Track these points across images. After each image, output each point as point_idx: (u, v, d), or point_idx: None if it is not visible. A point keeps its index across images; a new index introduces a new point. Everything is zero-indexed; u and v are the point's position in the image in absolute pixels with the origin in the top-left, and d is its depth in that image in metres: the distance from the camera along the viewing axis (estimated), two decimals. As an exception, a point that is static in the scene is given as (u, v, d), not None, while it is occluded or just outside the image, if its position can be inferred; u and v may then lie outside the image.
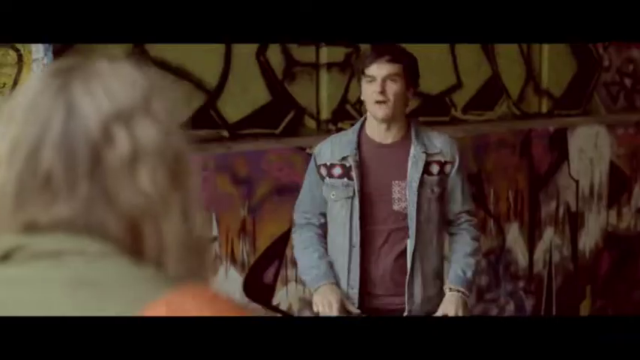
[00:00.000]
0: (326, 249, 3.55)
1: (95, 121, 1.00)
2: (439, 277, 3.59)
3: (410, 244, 3.45)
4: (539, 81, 6.15)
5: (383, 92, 3.38)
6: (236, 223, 4.41)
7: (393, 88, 3.39)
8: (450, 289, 3.46)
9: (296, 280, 4.59)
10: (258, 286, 4.48)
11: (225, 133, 4.67)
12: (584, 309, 6.21)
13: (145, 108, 1.02)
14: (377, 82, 3.39)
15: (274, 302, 4.55)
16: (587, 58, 6.30)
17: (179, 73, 4.48)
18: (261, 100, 4.78)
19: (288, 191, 4.55)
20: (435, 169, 3.48)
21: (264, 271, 4.52)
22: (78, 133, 0.99)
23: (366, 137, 3.52)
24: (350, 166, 3.45)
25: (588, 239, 6.17)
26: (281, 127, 4.85)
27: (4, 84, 3.60)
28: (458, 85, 5.68)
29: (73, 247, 0.98)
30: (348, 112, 5.12)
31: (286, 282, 4.59)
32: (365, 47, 4.74)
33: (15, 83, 3.63)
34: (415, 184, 3.42)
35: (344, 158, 3.47)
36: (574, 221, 6.06)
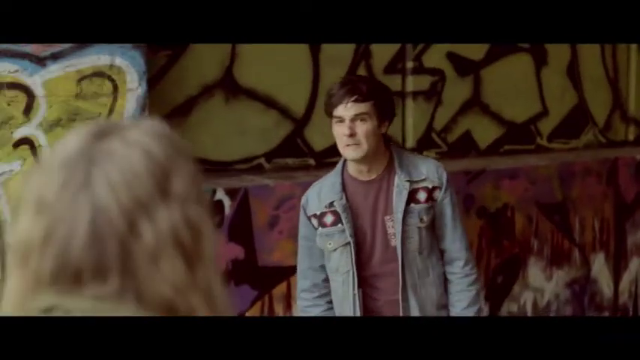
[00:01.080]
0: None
1: (119, 215, 1.01)
2: (444, 307, 3.40)
3: (400, 278, 3.27)
4: (626, 108, 6.06)
5: (352, 135, 3.17)
6: (322, 251, 4.43)
7: (363, 128, 3.18)
8: None
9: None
10: (342, 314, 4.49)
11: (312, 162, 4.71)
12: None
13: (162, 187, 1.04)
14: (345, 124, 3.19)
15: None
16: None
17: (267, 102, 4.54)
18: (347, 128, 4.80)
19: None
20: (422, 196, 3.28)
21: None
22: (105, 229, 1.01)
23: (349, 177, 3.34)
24: (339, 213, 3.29)
25: (675, 270, 6.05)
26: (366, 155, 4.86)
27: (100, 113, 3.69)
28: (544, 113, 5.64)
29: (92, 309, 1.01)
30: (434, 140, 5.13)
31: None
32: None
33: (110, 112, 3.72)
34: (400, 215, 3.23)
35: (331, 204, 3.30)
36: (661, 251, 5.94)
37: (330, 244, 3.33)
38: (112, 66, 3.68)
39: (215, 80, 4.40)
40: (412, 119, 5.02)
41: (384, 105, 3.25)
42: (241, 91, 4.47)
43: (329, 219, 3.32)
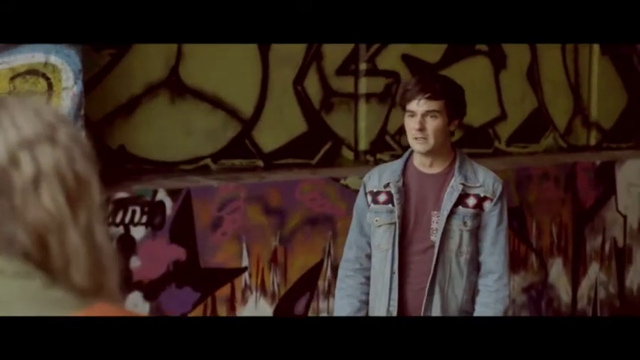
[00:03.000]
0: (366, 299, 3.53)
1: (3, 148, 1.13)
2: (467, 313, 3.47)
3: (431, 271, 3.39)
4: (588, 113, 6.03)
5: (422, 129, 3.33)
6: (267, 253, 4.39)
7: (432, 124, 3.34)
8: None
9: (327, 312, 4.55)
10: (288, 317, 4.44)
11: (260, 163, 4.67)
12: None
13: (48, 137, 1.15)
14: (416, 118, 3.34)
15: (304, 334, 4.50)
16: (638, 88, 6.16)
17: (214, 101, 4.49)
18: (298, 130, 4.77)
19: (321, 222, 4.53)
20: (471, 201, 3.41)
21: (295, 302, 4.49)
22: None
23: (412, 166, 3.49)
24: (393, 194, 3.44)
25: (637, 276, 6.01)
26: (317, 158, 4.83)
27: (37, 112, 3.64)
28: (502, 116, 5.60)
29: None
30: (387, 143, 5.08)
31: (317, 313, 4.55)
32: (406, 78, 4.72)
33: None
34: (446, 213, 3.38)
35: (388, 185, 3.46)
36: (621, 257, 5.91)
37: (377, 220, 3.47)
38: (46, 64, 3.63)
39: (160, 79, 4.35)
40: (365, 122, 4.98)
41: (455, 104, 3.41)
42: (187, 90, 4.42)
43: (382, 197, 3.47)
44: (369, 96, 4.97)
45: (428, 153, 3.39)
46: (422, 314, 3.41)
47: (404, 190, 3.45)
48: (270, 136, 4.66)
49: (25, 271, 1.12)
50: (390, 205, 3.44)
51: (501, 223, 3.46)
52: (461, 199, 3.39)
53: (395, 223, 3.42)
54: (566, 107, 5.92)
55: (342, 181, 4.59)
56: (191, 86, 4.42)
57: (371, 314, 3.49)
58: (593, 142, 6.07)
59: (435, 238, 3.40)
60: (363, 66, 4.95)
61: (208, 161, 4.52)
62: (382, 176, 3.51)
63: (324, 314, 4.55)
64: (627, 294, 5.97)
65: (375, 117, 5.01)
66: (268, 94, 4.64)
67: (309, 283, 4.52)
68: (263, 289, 4.38)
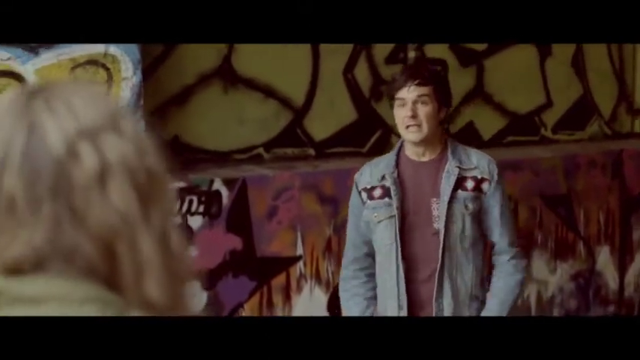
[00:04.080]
0: (372, 296, 3.50)
1: (58, 138, 0.95)
2: (477, 298, 3.46)
3: (439, 259, 3.35)
4: (632, 100, 6.00)
5: (414, 116, 3.31)
6: (321, 242, 4.39)
7: (424, 110, 3.32)
8: None
9: (381, 301, 4.55)
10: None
11: (312, 152, 4.67)
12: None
13: (113, 126, 0.98)
14: (407, 106, 3.32)
15: (358, 322, 4.51)
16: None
17: (266, 91, 4.50)
18: (348, 118, 4.77)
19: (374, 211, 4.52)
20: (470, 184, 3.38)
21: (349, 290, 4.49)
22: (40, 152, 0.94)
23: (404, 157, 3.46)
24: (389, 186, 3.40)
25: (682, 263, 5.98)
26: (368, 146, 4.83)
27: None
28: (548, 104, 5.58)
29: (57, 292, 0.92)
30: (435, 131, 5.07)
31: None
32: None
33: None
34: (446, 198, 3.35)
35: (383, 178, 3.42)
36: (667, 245, 5.88)
37: (376, 215, 3.42)
38: (106, 54, 3.65)
39: (213, 69, 4.35)
40: (414, 110, 4.97)
41: (442, 90, 3.42)
42: (240, 80, 4.42)
43: (378, 192, 3.43)
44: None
45: (421, 142, 3.36)
46: (434, 304, 3.37)
47: (399, 182, 3.41)
48: (321, 125, 4.66)
49: (96, 296, 0.93)
50: (387, 199, 3.40)
51: (504, 202, 3.46)
52: (459, 183, 3.36)
53: (395, 216, 3.37)
54: (610, 94, 5.89)
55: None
56: (243, 76, 4.43)
57: (381, 310, 3.44)
58: (637, 129, 6.04)
59: (438, 225, 3.36)
60: (411, 54, 4.94)
61: (261, 150, 4.52)
62: (374, 171, 3.47)
63: (377, 303, 4.55)
64: (673, 281, 5.94)
65: (424, 105, 5.01)
66: (319, 83, 4.63)
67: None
68: (318, 277, 4.39)
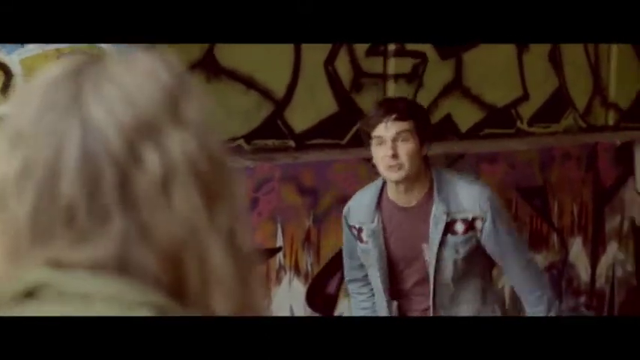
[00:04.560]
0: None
1: (117, 137, 0.81)
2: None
3: (431, 303, 3.22)
4: (606, 93, 6.08)
5: (395, 155, 3.06)
6: (301, 233, 4.43)
7: (405, 147, 3.06)
8: None
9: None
10: (320, 297, 4.51)
11: (292, 143, 4.70)
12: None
13: (174, 114, 0.84)
14: (387, 145, 3.08)
15: (336, 313, 4.57)
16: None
17: (248, 82, 4.52)
18: (328, 110, 4.80)
19: (353, 202, 4.57)
20: (460, 227, 3.15)
21: (328, 281, 4.54)
22: (100, 154, 0.81)
23: (386, 200, 3.25)
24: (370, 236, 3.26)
25: (653, 255, 6.10)
26: (347, 138, 4.87)
27: None
28: (525, 97, 5.65)
29: (107, 292, 0.80)
30: (414, 123, 5.12)
31: (349, 294, 4.60)
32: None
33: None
34: (435, 248, 3.14)
35: (363, 229, 3.27)
36: (638, 236, 5.98)
37: (367, 260, 3.32)
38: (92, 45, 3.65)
39: (196, 60, 4.37)
40: (393, 102, 5.02)
41: (423, 124, 3.17)
42: (222, 71, 4.44)
43: (364, 236, 3.30)
44: (397, 77, 5.00)
45: (404, 181, 3.12)
46: None
47: (381, 230, 3.22)
48: (301, 117, 4.69)
49: (153, 302, 0.81)
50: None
51: (509, 234, 3.22)
52: (448, 227, 3.14)
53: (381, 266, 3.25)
54: (586, 88, 5.97)
55: (373, 161, 4.64)
56: (226, 66, 4.45)
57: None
58: (611, 122, 6.13)
59: (428, 270, 3.20)
60: (391, 47, 4.97)
61: (241, 142, 4.55)
62: (359, 211, 3.31)
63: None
64: (643, 273, 6.06)
65: (403, 97, 5.05)
66: (300, 75, 4.66)
67: (341, 262, 4.56)
68: (297, 268, 4.44)
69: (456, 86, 5.31)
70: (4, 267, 0.84)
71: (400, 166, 3.08)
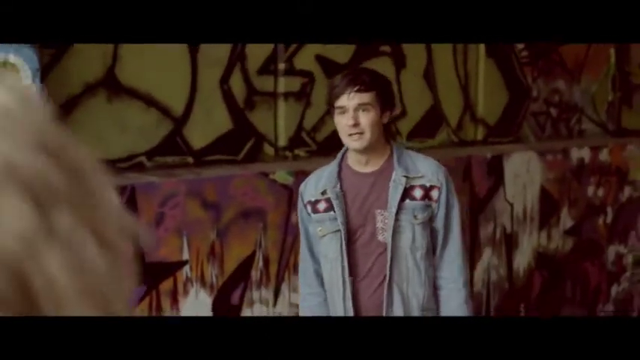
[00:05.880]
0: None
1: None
2: (429, 309, 3.38)
3: (387, 272, 3.28)
4: (475, 110, 6.45)
5: (356, 124, 3.22)
6: (206, 246, 4.54)
7: (366, 117, 3.23)
8: None
9: (260, 302, 4.74)
10: (225, 308, 4.61)
11: (190, 160, 4.80)
12: (518, 327, 6.47)
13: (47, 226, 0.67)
14: (349, 114, 3.23)
15: (241, 323, 4.68)
16: (517, 88, 6.64)
17: (147, 100, 4.60)
18: (224, 127, 4.93)
19: (253, 215, 4.71)
20: (418, 193, 3.29)
21: (232, 292, 4.66)
22: None
23: (347, 168, 3.38)
24: (332, 200, 3.33)
25: (522, 259, 6.47)
26: (242, 154, 5.01)
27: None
28: (403, 113, 5.93)
29: None
30: (304, 139, 5.31)
31: (251, 304, 4.73)
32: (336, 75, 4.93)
33: None
34: (393, 210, 3.25)
35: (325, 192, 3.35)
36: (509, 242, 6.36)
37: (320, 229, 3.37)
38: (6, 63, 3.67)
39: (97, 79, 4.42)
40: (284, 119, 5.19)
41: (385, 95, 3.34)
42: (123, 90, 4.51)
43: (322, 206, 3.37)
44: (287, 95, 5.19)
45: (364, 150, 3.27)
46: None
47: (343, 194, 3.33)
48: (199, 134, 4.81)
49: None
50: (332, 212, 3.32)
51: (450, 213, 3.35)
52: (407, 193, 3.27)
53: (339, 231, 3.31)
54: (457, 105, 6.31)
55: (270, 176, 4.80)
56: (126, 85, 4.52)
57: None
58: (480, 137, 6.49)
59: (384, 236, 3.29)
60: (281, 66, 5.16)
61: (143, 159, 4.62)
62: (317, 184, 3.40)
63: (258, 304, 4.74)
64: (515, 276, 6.43)
65: (293, 115, 5.24)
66: (197, 93, 4.78)
67: (243, 274, 4.70)
68: (202, 280, 4.53)
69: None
70: None
71: (360, 135, 3.24)
